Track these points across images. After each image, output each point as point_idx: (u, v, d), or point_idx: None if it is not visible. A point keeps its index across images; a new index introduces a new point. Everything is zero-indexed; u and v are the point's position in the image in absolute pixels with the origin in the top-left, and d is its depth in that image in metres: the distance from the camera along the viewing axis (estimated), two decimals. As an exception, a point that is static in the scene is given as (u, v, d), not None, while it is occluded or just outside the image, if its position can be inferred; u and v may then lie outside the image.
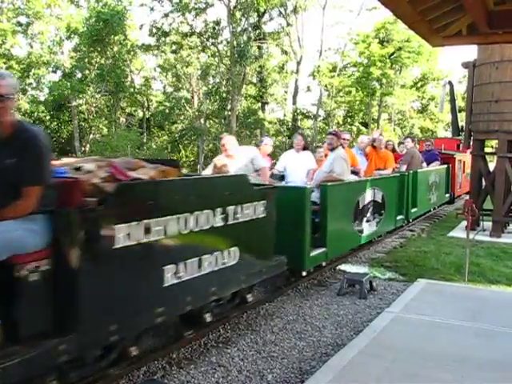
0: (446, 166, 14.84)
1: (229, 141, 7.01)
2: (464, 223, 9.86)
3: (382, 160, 10.46)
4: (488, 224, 11.39)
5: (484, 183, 12.16)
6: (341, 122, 40.66)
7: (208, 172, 7.08)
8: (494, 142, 13.38)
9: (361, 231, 8.33)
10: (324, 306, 6.28)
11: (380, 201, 9.01)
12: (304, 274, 6.70)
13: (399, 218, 10.42)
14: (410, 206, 11.01)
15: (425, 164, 12.55)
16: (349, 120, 41.50)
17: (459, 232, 11.34)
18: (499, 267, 8.31)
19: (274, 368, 4.51)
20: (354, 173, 8.82)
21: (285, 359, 4.70)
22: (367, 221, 8.49)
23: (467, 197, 17.17)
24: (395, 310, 5.65)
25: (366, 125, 39.99)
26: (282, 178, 8.20)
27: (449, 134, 29.57)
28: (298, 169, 7.87)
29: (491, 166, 12.44)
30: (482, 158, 12.20)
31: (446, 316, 5.43)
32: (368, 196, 8.42)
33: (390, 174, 10.22)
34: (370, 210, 8.59)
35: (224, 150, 6.89)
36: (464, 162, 17.58)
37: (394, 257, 9.05)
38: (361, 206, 8.14)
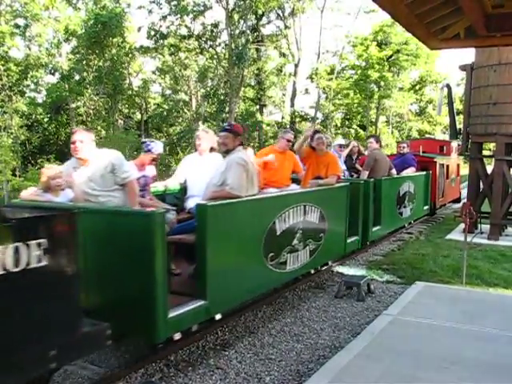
0: (424, 172, 12.56)
1: (83, 137, 4.66)
2: (462, 226, 9.87)
3: (322, 165, 7.33)
4: (486, 227, 11.40)
5: (482, 186, 12.17)
6: (339, 125, 40.73)
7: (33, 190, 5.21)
8: (492, 145, 13.31)
9: (281, 268, 5.73)
10: (322, 308, 6.28)
11: (316, 221, 6.52)
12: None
13: (351, 240, 7.79)
14: (369, 224, 8.48)
15: (394, 171, 9.93)
16: (347, 123, 41.58)
17: (457, 235, 11.35)
18: (497, 270, 8.32)
19: (271, 370, 4.51)
20: (298, 181, 7.72)
21: (282, 361, 4.70)
22: (293, 251, 6.00)
23: (456, 205, 16.62)
24: (393, 313, 5.65)
25: (364, 127, 40.07)
26: None
27: (446, 137, 29.62)
28: (202, 179, 5.61)
29: (489, 169, 12.44)
30: (479, 160, 12.21)
31: (443, 318, 5.43)
32: (294, 216, 5.92)
33: (334, 184, 7.29)
34: (299, 237, 6.09)
35: (74, 151, 4.66)
36: (448, 167, 15.35)
37: (391, 259, 9.05)
38: (279, 232, 5.61)
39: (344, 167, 9.41)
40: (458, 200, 17.32)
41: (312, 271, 7.07)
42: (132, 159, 6.00)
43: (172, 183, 6.50)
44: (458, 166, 17.41)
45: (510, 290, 7.26)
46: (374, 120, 39.50)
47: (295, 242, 6.02)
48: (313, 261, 6.58)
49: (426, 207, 12.82)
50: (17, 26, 27.75)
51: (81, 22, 28.39)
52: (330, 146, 9.27)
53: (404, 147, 11.59)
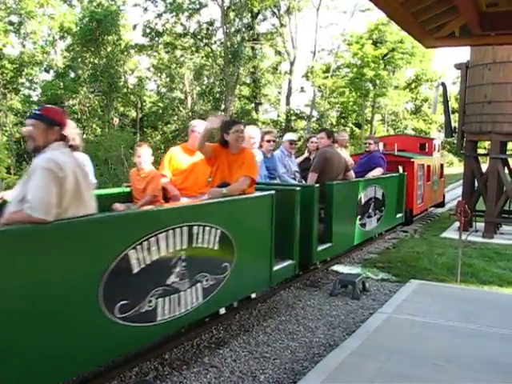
0: (396, 173, 10.70)
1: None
2: (457, 224, 9.88)
3: (235, 167, 5.35)
4: (480, 225, 11.45)
5: (477, 184, 12.21)
6: (334, 123, 40.76)
7: None
8: (487, 143, 13.33)
9: (146, 321, 3.85)
10: (317, 306, 6.28)
11: (214, 246, 4.54)
12: None
13: (283, 265, 5.81)
14: (312, 243, 6.59)
15: (352, 173, 8.06)
16: (342, 121, 41.61)
17: (452, 233, 11.38)
18: (491, 268, 8.35)
19: (266, 368, 4.51)
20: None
21: (277, 360, 4.69)
22: (168, 294, 4.05)
23: (439, 210, 15.49)
24: (388, 311, 5.66)
25: (359, 126, 40.11)
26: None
27: (442, 135, 29.66)
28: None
29: (484, 167, 12.48)
30: (474, 159, 12.25)
31: (438, 316, 5.44)
32: (168, 243, 4.02)
33: (250, 192, 5.38)
34: (180, 272, 4.16)
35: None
36: (429, 167, 13.38)
37: (386, 257, 9.07)
38: (136, 270, 3.74)
39: (295, 168, 7.88)
40: (441, 204, 15.76)
41: (222, 311, 5.18)
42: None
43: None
44: (442, 166, 15.53)
45: (505, 288, 7.29)
46: (369, 118, 39.53)
47: (172, 279, 4.06)
48: (213, 300, 4.60)
49: (399, 215, 10.68)
50: (11, 24, 27.63)
51: (76, 19, 28.30)
52: (266, 142, 7.27)
53: (371, 144, 9.76)
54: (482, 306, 5.93)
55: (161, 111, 33.37)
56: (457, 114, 12.93)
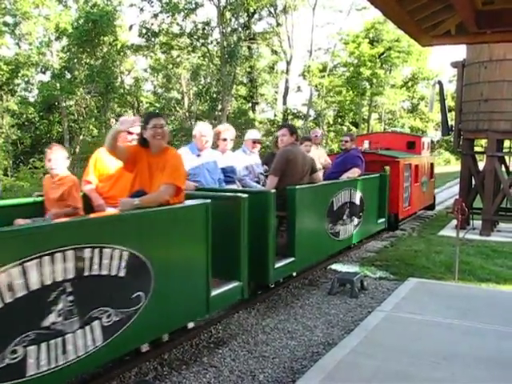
0: (377, 174, 9.31)
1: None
2: (454, 222, 9.92)
3: (156, 170, 4.37)
4: (478, 223, 11.47)
5: (474, 182, 12.24)
6: (331, 122, 40.79)
7: None
8: (484, 141, 13.33)
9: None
10: (315, 305, 6.29)
11: (119, 275, 3.63)
12: None
13: (226, 289, 4.84)
14: (268, 259, 5.53)
15: (319, 174, 7.17)
16: (339, 120, 41.66)
17: (449, 231, 11.40)
18: (489, 265, 8.37)
19: (265, 368, 4.51)
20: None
21: (276, 359, 4.70)
22: (50, 337, 3.15)
23: (430, 212, 14.64)
24: (386, 309, 5.66)
25: (356, 125, 40.16)
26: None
27: (439, 134, 29.68)
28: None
29: (481, 165, 12.51)
30: (471, 157, 12.28)
31: (436, 314, 5.45)
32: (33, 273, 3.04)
33: (174, 203, 4.35)
34: (65, 309, 3.22)
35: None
36: (417, 167, 12.43)
37: (384, 256, 9.08)
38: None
39: (259, 170, 7.07)
40: (432, 207, 14.96)
41: (144, 348, 4.24)
42: None
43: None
44: (432, 165, 14.52)
45: (502, 285, 7.32)
46: (366, 117, 39.60)
47: (52, 319, 3.13)
48: (121, 340, 3.66)
49: (381, 220, 9.49)
50: (6, 24, 27.56)
51: (71, 20, 28.24)
52: (222, 141, 6.54)
53: (347, 141, 8.65)
54: (479, 303, 5.94)
55: (157, 111, 33.32)
56: (453, 113, 12.95)
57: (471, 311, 5.58)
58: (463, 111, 11.92)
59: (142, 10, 29.81)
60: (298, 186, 6.18)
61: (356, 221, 8.14)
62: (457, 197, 10.53)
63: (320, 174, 7.19)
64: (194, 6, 29.54)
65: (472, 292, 6.57)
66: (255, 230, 5.22)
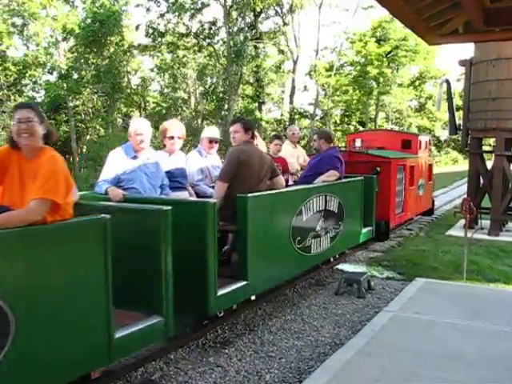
0: (362, 177, 7.90)
1: None
2: (462, 222, 9.87)
3: (29, 178, 3.27)
4: (486, 222, 11.41)
5: (482, 181, 12.17)
6: (338, 122, 40.74)
7: None
8: (492, 140, 13.23)
9: None
10: (322, 305, 6.27)
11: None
12: None
13: (141, 327, 3.69)
14: (209, 284, 4.42)
15: (280, 178, 5.88)
16: (346, 119, 41.61)
17: (457, 230, 11.34)
18: (497, 266, 8.32)
19: (271, 368, 4.50)
20: None
21: (283, 359, 4.68)
22: None
23: (427, 218, 13.30)
24: (393, 309, 5.63)
25: (363, 124, 40.08)
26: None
27: (446, 132, 29.53)
28: None
29: (489, 165, 12.44)
30: (479, 156, 12.21)
31: (444, 315, 5.41)
32: None
33: (53, 221, 3.21)
34: None
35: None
36: (413, 168, 11.25)
37: (392, 256, 9.05)
38: None
39: (217, 173, 5.76)
40: (430, 211, 13.62)
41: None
42: None
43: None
44: (430, 167, 13.27)
45: (511, 286, 7.26)
46: (373, 116, 39.52)
47: None
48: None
49: (366, 229, 8.08)
50: (14, 25, 27.69)
51: (78, 20, 28.34)
52: (168, 139, 5.59)
53: (315, 140, 7.51)
54: (488, 303, 5.89)
55: (164, 111, 33.35)
56: (461, 111, 12.86)
57: (479, 312, 5.53)
58: (471, 110, 11.85)
59: (148, 9, 29.89)
60: (250, 194, 4.94)
61: (333, 231, 6.92)
62: (465, 196, 10.47)
63: (281, 178, 5.88)
64: (200, 5, 29.56)
65: (480, 292, 6.52)
66: (189, 249, 4.24)
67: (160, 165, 5.19)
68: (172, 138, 5.52)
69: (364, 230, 8.03)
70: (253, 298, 5.49)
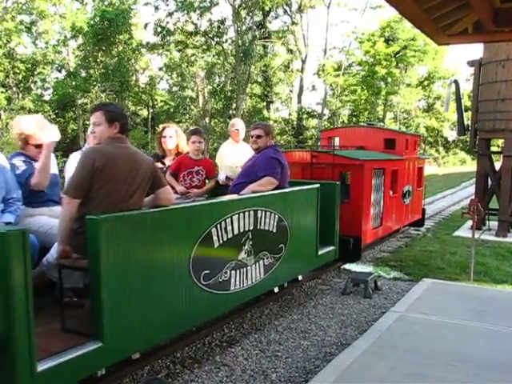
0: (315, 186, 6.03)
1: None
2: (469, 223, 9.82)
3: None
4: (494, 223, 11.36)
5: (490, 182, 12.12)
6: (346, 121, 40.66)
7: None
8: (501, 141, 13.13)
9: None
10: (328, 305, 6.27)
11: None
12: None
13: None
14: (17, 357, 2.71)
15: (168, 190, 3.95)
16: (354, 119, 41.52)
17: (465, 231, 11.30)
18: (505, 267, 8.28)
19: (278, 367, 4.50)
20: None
21: (289, 358, 4.68)
22: None
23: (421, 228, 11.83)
24: (400, 310, 5.62)
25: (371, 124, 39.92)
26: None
27: (454, 133, 29.39)
28: None
29: (497, 166, 12.38)
30: (488, 157, 12.15)
31: (451, 316, 5.40)
32: None
33: None
34: None
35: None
36: (396, 173, 9.47)
37: (399, 256, 9.03)
38: None
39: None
40: (419, 222, 11.50)
41: None
42: None
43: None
44: (420, 170, 11.27)
45: (518, 287, 7.23)
46: (381, 116, 39.37)
47: None
48: None
49: (326, 250, 6.43)
50: (22, 23, 27.81)
51: (87, 18, 28.44)
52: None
53: (259, 136, 5.47)
54: (495, 305, 5.87)
55: (172, 110, 33.43)
56: (470, 112, 12.81)
57: (486, 313, 5.51)
58: (480, 111, 11.80)
59: (157, 8, 29.92)
60: (103, 216, 3.34)
61: (271, 258, 5.20)
62: (473, 197, 10.42)
63: (168, 189, 3.99)
64: (208, 4, 29.57)
65: (487, 293, 6.49)
66: None
67: (6, 171, 3.87)
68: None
69: (322, 252, 6.31)
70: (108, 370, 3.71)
